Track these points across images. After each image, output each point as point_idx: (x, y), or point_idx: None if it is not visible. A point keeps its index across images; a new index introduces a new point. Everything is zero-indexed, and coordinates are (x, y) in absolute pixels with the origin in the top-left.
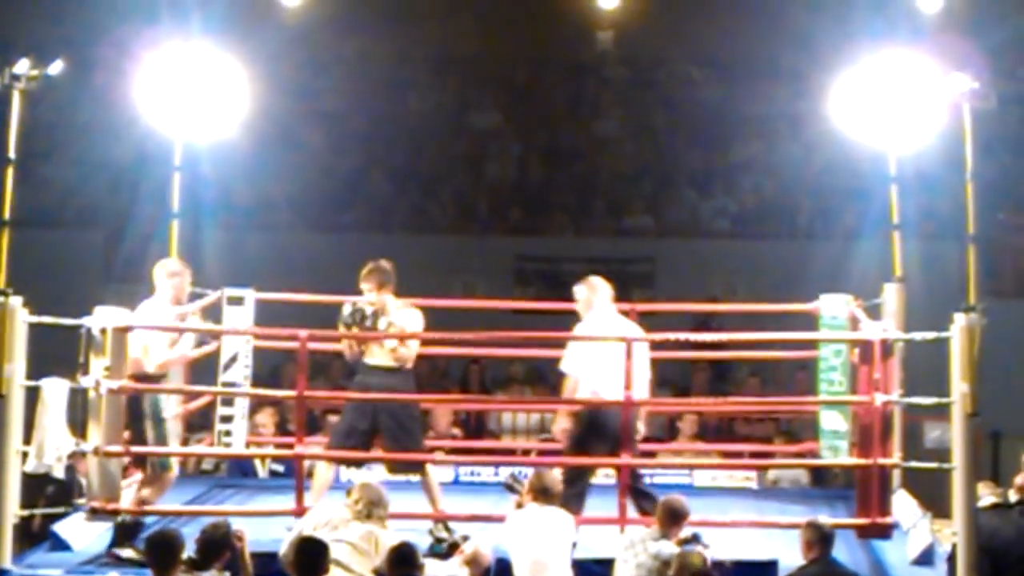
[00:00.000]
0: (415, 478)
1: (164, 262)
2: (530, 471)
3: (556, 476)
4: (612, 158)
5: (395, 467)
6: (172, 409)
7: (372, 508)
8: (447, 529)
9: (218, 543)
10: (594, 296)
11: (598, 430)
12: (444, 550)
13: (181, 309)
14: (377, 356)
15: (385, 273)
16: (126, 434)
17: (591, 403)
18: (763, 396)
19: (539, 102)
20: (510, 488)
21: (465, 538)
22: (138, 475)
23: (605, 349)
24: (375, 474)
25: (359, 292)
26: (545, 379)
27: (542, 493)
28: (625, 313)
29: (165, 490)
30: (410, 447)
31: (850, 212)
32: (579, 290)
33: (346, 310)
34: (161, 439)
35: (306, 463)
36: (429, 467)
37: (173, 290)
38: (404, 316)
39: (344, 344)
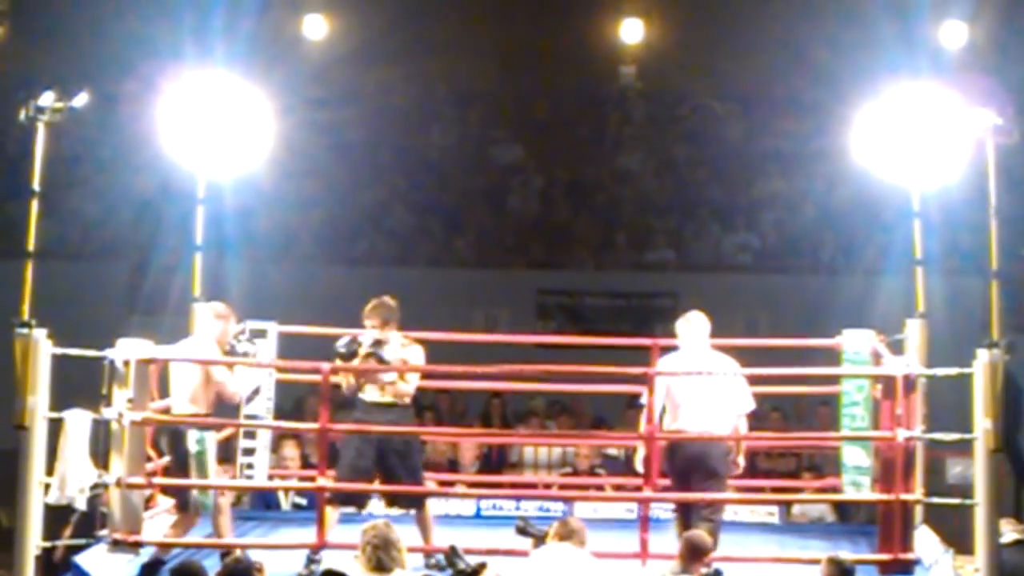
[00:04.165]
0: (411, 512)
1: (213, 304)
2: (548, 510)
3: (579, 519)
4: (634, 192)
5: (396, 501)
6: (213, 446)
7: (381, 554)
8: (458, 555)
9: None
10: (681, 331)
11: (672, 462)
12: None
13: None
14: (375, 393)
15: (389, 309)
16: (152, 465)
17: (618, 439)
18: (785, 431)
19: (562, 136)
20: (522, 531)
21: (483, 565)
22: (160, 507)
23: (684, 383)
24: (373, 508)
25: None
26: (568, 411)
27: (567, 537)
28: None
29: (191, 528)
30: (412, 483)
31: (873, 247)
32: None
33: (341, 342)
34: (203, 475)
35: None
36: (428, 502)
37: (220, 332)
38: (406, 352)
39: (341, 377)
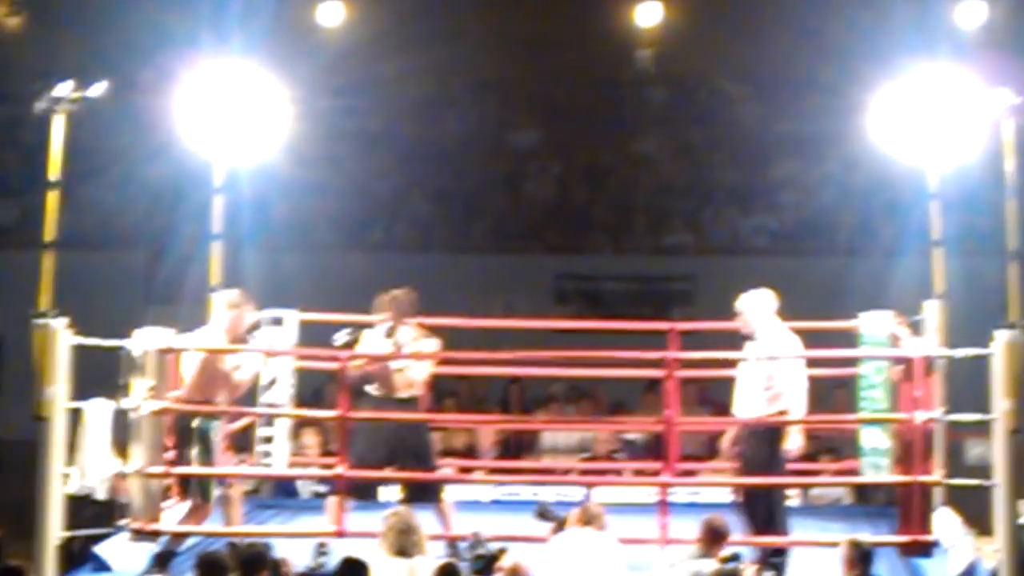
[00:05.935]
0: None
1: (226, 293)
2: (567, 496)
3: (600, 504)
4: (652, 176)
5: (413, 495)
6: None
7: (403, 538)
8: (480, 542)
9: (255, 561)
10: (763, 308)
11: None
12: (482, 566)
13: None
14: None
15: (402, 302)
16: (170, 455)
17: (625, 424)
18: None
19: (578, 121)
20: (543, 516)
21: (503, 551)
22: (176, 496)
23: (791, 366)
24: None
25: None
26: (586, 396)
27: (588, 522)
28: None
29: (205, 520)
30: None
31: (890, 229)
32: (740, 304)
33: (339, 335)
34: (207, 463)
35: None
36: (444, 494)
37: (230, 322)
38: (419, 345)
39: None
